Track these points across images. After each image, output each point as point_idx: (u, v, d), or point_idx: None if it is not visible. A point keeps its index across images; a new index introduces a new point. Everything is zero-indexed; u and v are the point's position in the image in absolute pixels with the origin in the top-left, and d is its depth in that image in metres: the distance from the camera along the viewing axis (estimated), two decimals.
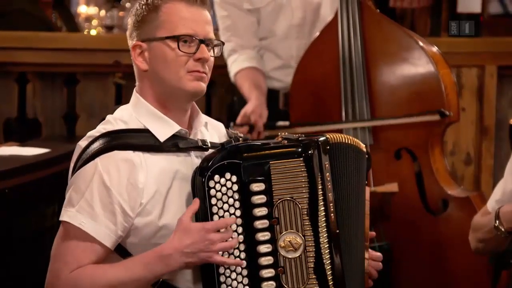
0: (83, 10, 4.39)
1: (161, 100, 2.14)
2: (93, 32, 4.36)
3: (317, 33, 3.43)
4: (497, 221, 2.47)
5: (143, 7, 2.14)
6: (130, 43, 2.17)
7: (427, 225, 3.28)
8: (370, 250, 2.26)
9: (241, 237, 2.07)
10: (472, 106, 4.06)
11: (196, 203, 2.05)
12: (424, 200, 3.29)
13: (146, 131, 2.12)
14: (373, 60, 3.34)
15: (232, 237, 2.05)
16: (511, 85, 4.12)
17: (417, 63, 3.31)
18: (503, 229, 2.46)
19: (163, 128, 2.12)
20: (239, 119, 3.33)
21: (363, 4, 3.36)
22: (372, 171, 3.26)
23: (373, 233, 2.28)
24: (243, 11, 3.48)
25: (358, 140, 2.23)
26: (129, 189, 2.05)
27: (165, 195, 2.09)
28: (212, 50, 2.15)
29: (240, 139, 2.20)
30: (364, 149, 2.24)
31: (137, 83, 2.19)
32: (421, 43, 3.32)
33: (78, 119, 4.12)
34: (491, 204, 2.63)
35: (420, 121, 3.26)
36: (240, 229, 2.06)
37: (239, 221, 2.06)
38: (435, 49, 3.38)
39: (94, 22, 4.37)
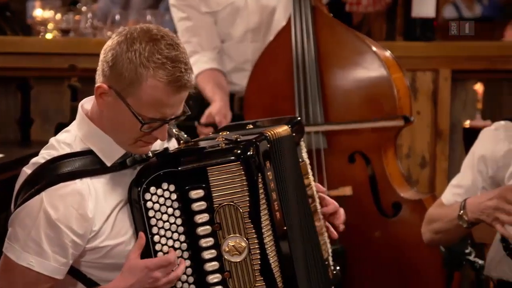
0: (39, 13, 4.36)
1: (108, 132, 2.09)
2: (49, 36, 4.33)
3: (272, 37, 3.44)
4: (462, 211, 2.50)
5: (127, 60, 1.98)
6: (98, 74, 2.05)
7: (381, 228, 3.30)
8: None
9: (184, 245, 2.06)
10: (427, 109, 4.09)
11: (142, 238, 2.04)
12: (378, 203, 3.31)
13: (91, 152, 2.07)
14: (326, 64, 3.36)
15: (178, 263, 2.04)
16: (465, 89, 4.16)
17: (370, 67, 3.33)
18: (466, 219, 2.50)
19: (110, 151, 2.07)
20: (204, 119, 3.31)
21: (316, 9, 3.38)
22: (325, 175, 3.28)
23: (322, 188, 2.28)
24: (201, 12, 3.46)
25: (283, 125, 2.21)
26: (79, 221, 2.01)
27: (116, 214, 2.07)
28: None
29: (181, 141, 2.16)
30: (290, 131, 2.20)
31: (91, 104, 2.11)
32: (373, 48, 3.35)
33: (33, 124, 4.08)
34: (447, 197, 2.67)
35: (384, 126, 3.27)
36: (182, 237, 2.06)
37: (181, 229, 2.05)
38: (388, 53, 3.41)
39: (50, 25, 4.34)
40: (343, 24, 3.42)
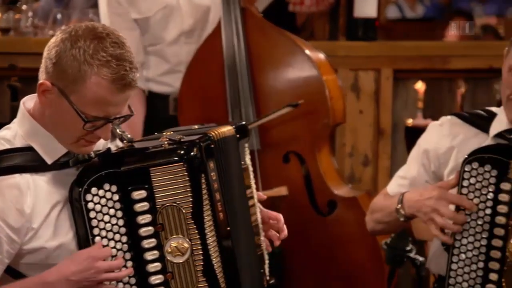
0: None
1: (50, 130, 2.06)
2: None
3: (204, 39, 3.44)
4: (399, 205, 2.52)
5: (71, 57, 1.97)
6: (41, 72, 2.02)
7: (317, 227, 3.32)
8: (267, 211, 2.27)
9: (126, 246, 2.04)
10: (369, 109, 4.13)
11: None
12: (314, 202, 3.33)
13: (31, 149, 2.05)
14: (258, 65, 3.38)
15: (125, 266, 2.03)
16: (406, 88, 4.22)
17: (301, 68, 3.36)
18: (403, 213, 2.52)
19: (51, 149, 2.05)
20: None
21: (246, 11, 3.39)
22: (260, 176, 3.30)
23: (264, 197, 2.28)
24: (129, 23, 3.41)
25: (227, 125, 2.21)
26: (15, 216, 1.99)
27: (57, 214, 2.05)
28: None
29: (125, 141, 2.15)
30: (234, 131, 2.20)
31: (33, 102, 2.08)
32: (305, 49, 3.37)
33: None
34: (392, 187, 2.68)
35: (277, 116, 3.27)
36: (124, 238, 2.04)
37: (123, 230, 2.04)
38: (321, 54, 3.43)
39: None
40: (274, 25, 3.43)
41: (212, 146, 2.09)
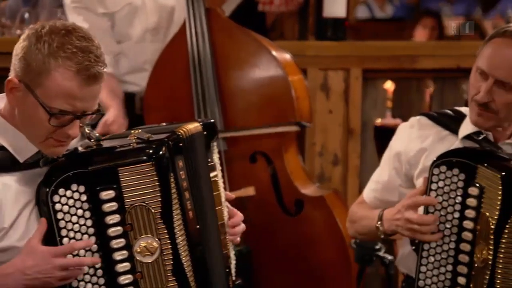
0: None
1: (20, 129, 2.05)
2: None
3: (169, 39, 3.44)
4: (379, 222, 2.50)
5: (36, 51, 1.96)
6: (11, 70, 2.02)
7: (285, 226, 3.33)
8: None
9: (95, 247, 2.03)
10: (339, 108, 4.14)
11: (43, 223, 2.00)
12: (281, 202, 3.34)
13: (2, 148, 2.04)
14: (223, 66, 3.38)
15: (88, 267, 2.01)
16: (375, 88, 4.24)
17: (267, 68, 3.37)
18: (382, 230, 2.49)
19: (22, 148, 2.04)
20: (99, 129, 3.24)
21: (211, 12, 3.39)
22: (227, 176, 3.30)
23: (232, 196, 2.28)
24: (98, 15, 3.42)
25: (195, 121, 2.20)
26: None
27: (29, 214, 2.04)
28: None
29: (93, 140, 2.12)
30: (201, 129, 2.18)
31: (4, 102, 2.06)
32: (271, 49, 3.38)
33: None
34: (367, 193, 2.67)
35: (280, 131, 3.30)
36: (93, 239, 2.03)
37: (92, 230, 2.03)
38: (287, 55, 3.45)
39: None
40: (239, 26, 3.43)
41: (181, 144, 2.09)
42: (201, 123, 2.21)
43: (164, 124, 2.24)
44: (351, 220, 2.68)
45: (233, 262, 2.29)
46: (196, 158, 2.15)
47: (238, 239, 2.29)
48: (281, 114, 3.35)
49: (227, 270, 2.25)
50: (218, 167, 2.24)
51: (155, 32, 3.49)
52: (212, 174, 2.21)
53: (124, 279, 2.05)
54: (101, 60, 2.00)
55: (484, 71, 2.41)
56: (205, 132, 2.20)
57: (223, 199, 2.24)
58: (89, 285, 2.04)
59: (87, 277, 2.03)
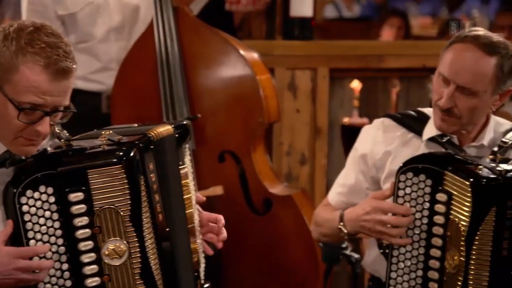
0: None
1: None
2: None
3: (138, 36, 3.42)
4: (341, 223, 2.51)
5: (3, 48, 1.95)
6: None
7: (254, 226, 3.33)
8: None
9: (62, 249, 2.02)
10: (306, 107, 4.16)
11: (9, 225, 1.98)
12: (249, 201, 3.35)
13: None
14: (191, 65, 3.38)
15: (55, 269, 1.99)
16: (342, 87, 4.26)
17: (235, 67, 3.37)
18: (346, 231, 2.50)
19: None
20: None
21: (179, 10, 3.39)
22: (196, 176, 3.29)
23: (203, 199, 2.27)
24: (52, 21, 3.35)
25: (166, 123, 2.19)
26: None
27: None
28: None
29: (62, 140, 2.10)
30: (173, 131, 2.17)
31: None
32: (239, 48, 3.38)
33: None
34: (332, 196, 2.67)
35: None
36: (60, 241, 2.02)
37: (59, 232, 2.01)
38: (254, 54, 3.45)
39: None
40: (207, 25, 3.42)
41: (152, 147, 2.08)
42: (172, 125, 2.19)
43: (135, 125, 2.22)
44: (315, 223, 2.67)
45: (202, 266, 2.28)
46: (166, 161, 2.13)
47: (220, 244, 2.28)
48: (249, 112, 3.36)
49: (196, 274, 2.24)
50: (190, 169, 2.23)
51: (120, 30, 3.47)
52: (183, 175, 2.19)
53: (92, 282, 2.04)
54: (70, 56, 1.99)
55: (445, 77, 2.40)
56: (176, 135, 2.18)
57: (193, 202, 2.23)
58: (56, 287, 2.02)
59: (54, 279, 2.02)
